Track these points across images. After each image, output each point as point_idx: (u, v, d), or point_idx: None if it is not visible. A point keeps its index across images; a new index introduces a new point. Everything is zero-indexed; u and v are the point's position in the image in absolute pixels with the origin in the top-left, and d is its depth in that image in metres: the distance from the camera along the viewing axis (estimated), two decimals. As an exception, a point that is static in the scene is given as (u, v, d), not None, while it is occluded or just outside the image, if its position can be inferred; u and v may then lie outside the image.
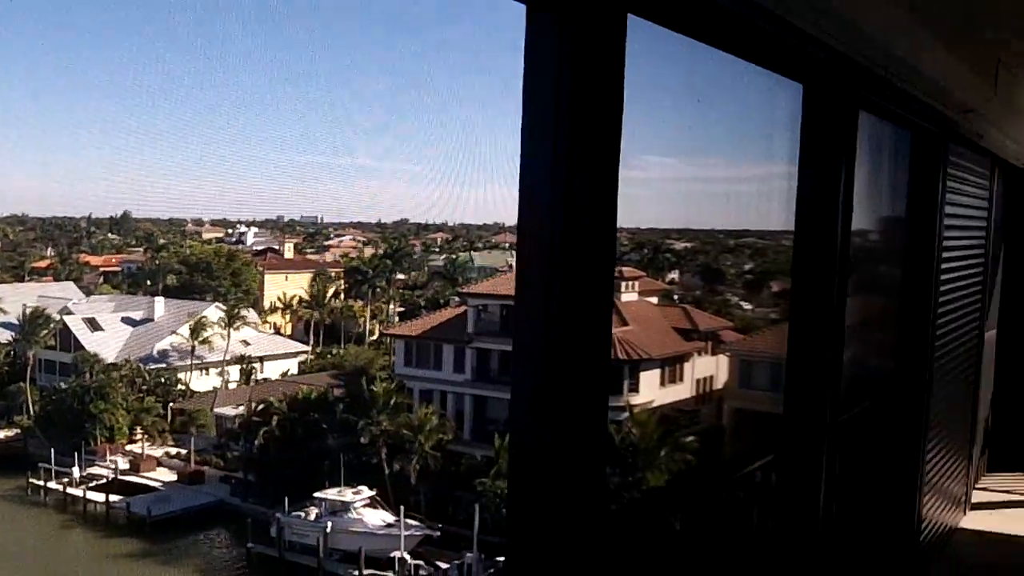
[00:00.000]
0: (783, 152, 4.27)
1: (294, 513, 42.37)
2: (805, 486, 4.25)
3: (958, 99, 5.35)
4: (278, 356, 60.64)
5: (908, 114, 5.14)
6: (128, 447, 51.04)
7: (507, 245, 73.14)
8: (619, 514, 3.23)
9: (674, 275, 46.59)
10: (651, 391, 39.61)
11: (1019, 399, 8.76)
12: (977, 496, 7.86)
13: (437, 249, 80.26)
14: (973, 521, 7.37)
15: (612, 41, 2.47)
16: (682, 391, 40.63)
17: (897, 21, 4.05)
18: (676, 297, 44.82)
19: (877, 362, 5.81)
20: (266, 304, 69.00)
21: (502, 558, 36.33)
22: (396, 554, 39.56)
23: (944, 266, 6.15)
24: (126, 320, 60.40)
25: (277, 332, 66.23)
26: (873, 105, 4.61)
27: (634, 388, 38.79)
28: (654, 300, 43.37)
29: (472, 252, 75.73)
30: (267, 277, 71.52)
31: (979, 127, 6.10)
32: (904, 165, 5.75)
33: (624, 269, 38.37)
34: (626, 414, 36.65)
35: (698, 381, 40.78)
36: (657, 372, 40.32)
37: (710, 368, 40.25)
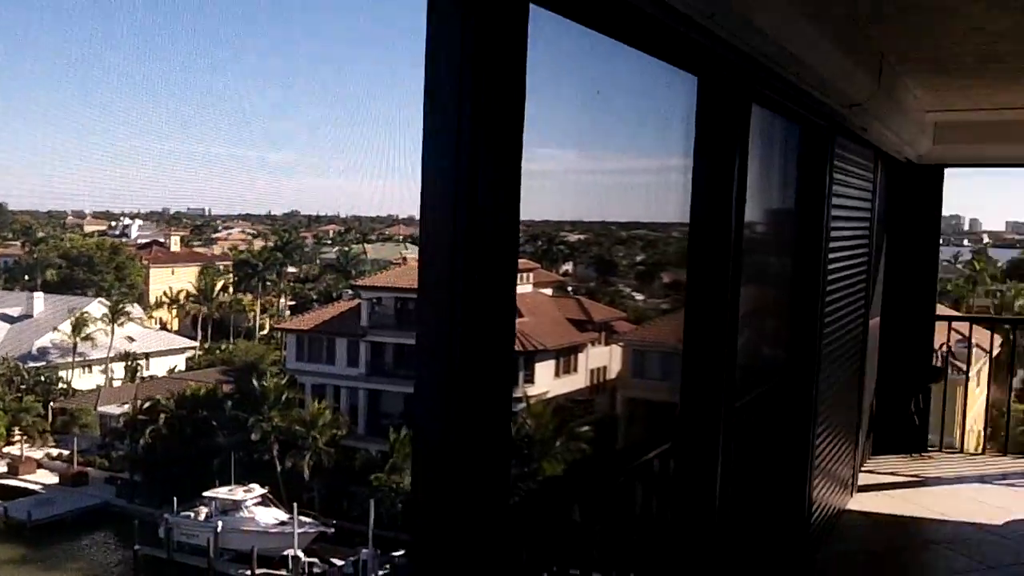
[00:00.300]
0: (678, 144, 4.35)
1: (183, 513, 41.50)
2: (702, 473, 4.35)
3: (845, 94, 5.51)
4: (165, 352, 59.23)
5: (798, 108, 5.29)
6: (6, 449, 49.26)
7: (401, 237, 72.80)
8: (520, 507, 3.25)
9: (568, 267, 47.06)
10: (546, 382, 39.94)
11: (901, 384, 9.11)
12: (863, 478, 8.14)
13: (329, 241, 79.39)
14: (860, 503, 7.63)
15: (514, 32, 2.48)
16: (577, 381, 41.08)
17: (789, 17, 4.16)
18: (570, 288, 45.30)
19: (769, 350, 5.97)
20: (152, 299, 67.37)
21: (398, 553, 36.22)
22: (290, 552, 39.09)
23: (831, 256, 6.35)
24: (2, 317, 58.25)
25: (164, 328, 64.70)
26: (765, 99, 4.73)
27: (529, 379, 39.04)
28: (548, 292, 43.73)
29: (365, 244, 75.13)
30: (153, 271, 69.80)
31: (863, 121, 6.31)
32: (793, 158, 5.92)
33: (520, 261, 38.56)
34: (522, 405, 36.87)
35: (592, 371, 41.29)
36: (552, 363, 40.68)
37: (604, 358, 40.80)
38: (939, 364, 9.28)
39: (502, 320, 2.52)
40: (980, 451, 9.93)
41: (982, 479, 8.36)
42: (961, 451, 9.63)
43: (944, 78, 6.64)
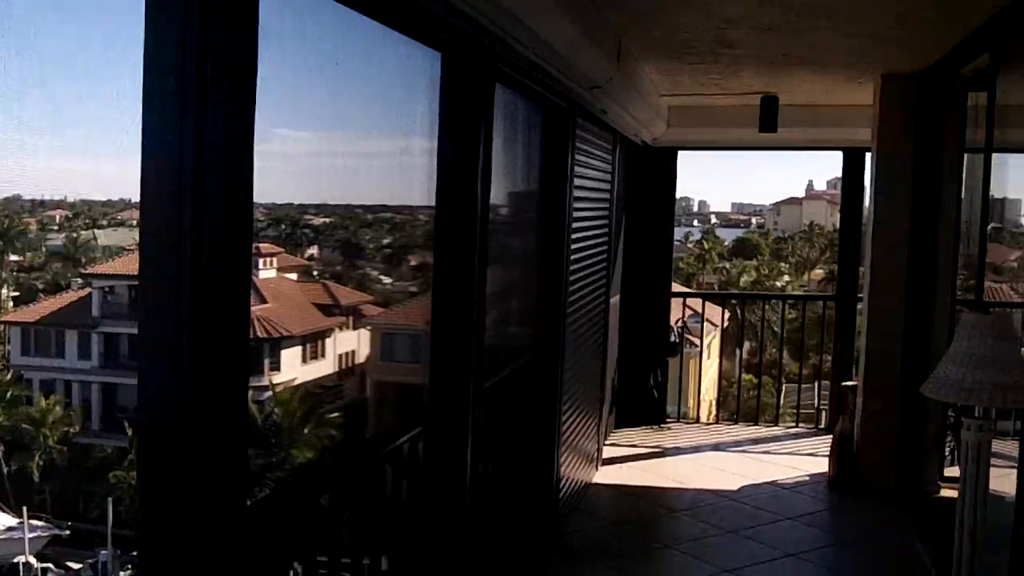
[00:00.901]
0: (424, 125, 4.26)
1: None
2: (452, 456, 4.30)
3: (586, 76, 5.60)
4: None
5: (541, 89, 5.32)
6: None
7: (134, 222, 69.35)
8: (267, 499, 3.08)
9: (313, 250, 46.25)
10: (293, 368, 39.15)
11: (640, 359, 9.46)
12: (608, 451, 8.40)
13: (56, 227, 74.54)
14: (605, 475, 7.86)
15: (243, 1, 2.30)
16: (324, 367, 40.50)
17: (532, -5, 4.15)
18: (316, 273, 44.54)
19: (517, 330, 6.01)
20: None
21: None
22: (20, 559, 36.56)
23: (574, 236, 6.46)
24: None
25: None
26: (509, 79, 4.71)
27: (275, 367, 38.12)
28: (293, 276, 42.83)
29: (96, 230, 71.06)
30: None
31: (603, 103, 6.45)
32: (537, 140, 5.97)
33: (261, 246, 37.56)
34: (269, 393, 36.02)
35: (340, 356, 40.83)
36: (299, 349, 39.89)
37: (352, 343, 40.42)
38: (675, 339, 9.70)
39: (234, 308, 2.35)
40: (714, 420, 10.48)
41: (717, 447, 8.81)
42: (697, 421, 10.13)
43: (678, 62, 6.90)
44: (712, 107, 8.94)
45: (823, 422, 9.59)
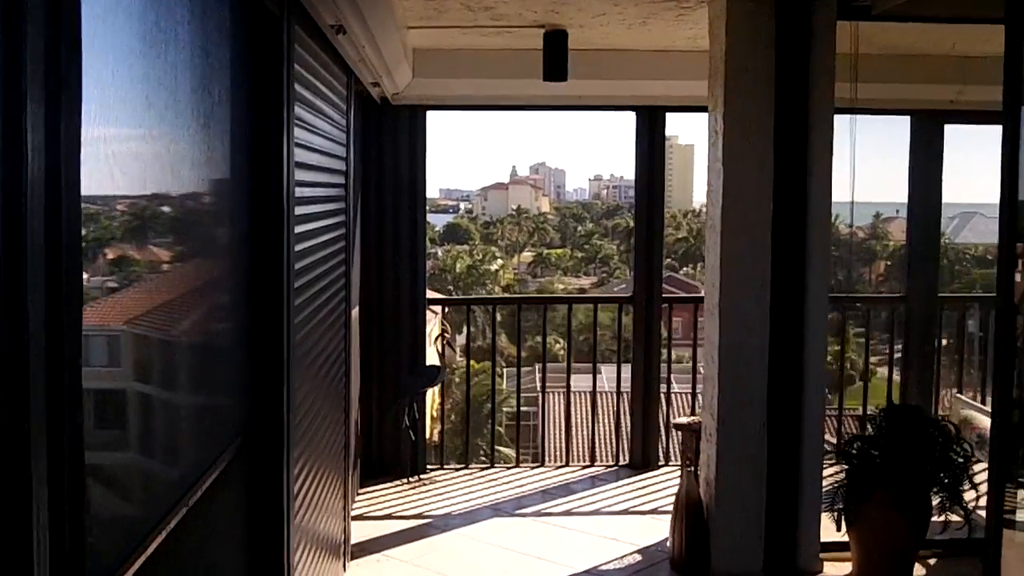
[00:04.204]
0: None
1: None
2: None
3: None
4: None
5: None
6: None
7: None
8: None
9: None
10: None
11: (387, 391, 6.81)
12: (357, 530, 5.65)
13: None
14: (356, 577, 5.13)
15: None
16: None
17: None
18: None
19: (209, 410, 3.15)
20: None
21: None
22: None
23: (300, 229, 3.73)
24: None
25: None
26: None
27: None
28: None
29: None
30: None
31: (339, 9, 3.73)
32: (227, 59, 3.13)
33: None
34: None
35: None
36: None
37: None
38: (436, 362, 7.07)
39: None
40: (487, 464, 7.55)
41: (498, 509, 6.18)
42: (466, 466, 7.29)
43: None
44: (476, 50, 6.40)
45: (621, 457, 7.18)
